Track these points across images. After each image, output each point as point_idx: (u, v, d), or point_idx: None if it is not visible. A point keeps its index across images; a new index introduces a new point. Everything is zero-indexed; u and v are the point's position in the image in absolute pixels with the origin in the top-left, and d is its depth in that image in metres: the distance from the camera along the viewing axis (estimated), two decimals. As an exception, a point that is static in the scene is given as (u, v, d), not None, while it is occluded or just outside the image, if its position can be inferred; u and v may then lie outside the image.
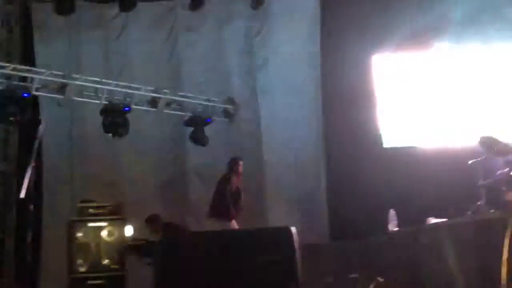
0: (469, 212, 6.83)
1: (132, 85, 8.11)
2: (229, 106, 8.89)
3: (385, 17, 8.72)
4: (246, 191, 8.04)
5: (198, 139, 8.49)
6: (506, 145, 7.08)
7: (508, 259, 5.57)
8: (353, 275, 6.41)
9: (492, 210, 6.60)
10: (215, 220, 7.53)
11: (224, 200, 7.55)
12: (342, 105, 8.78)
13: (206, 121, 8.53)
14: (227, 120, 8.91)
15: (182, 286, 4.48)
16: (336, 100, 8.88)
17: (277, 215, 8.35)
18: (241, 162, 7.79)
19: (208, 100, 8.71)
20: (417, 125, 8.92)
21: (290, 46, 9.16)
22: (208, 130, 8.57)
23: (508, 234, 5.66)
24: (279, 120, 8.98)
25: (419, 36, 8.81)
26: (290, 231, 5.01)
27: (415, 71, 9.12)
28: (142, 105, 8.21)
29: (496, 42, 8.85)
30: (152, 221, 7.53)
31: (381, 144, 8.84)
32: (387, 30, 8.79)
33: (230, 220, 7.53)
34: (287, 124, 8.97)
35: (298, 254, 5.19)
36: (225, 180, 7.70)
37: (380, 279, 6.34)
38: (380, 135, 8.87)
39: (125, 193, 8.39)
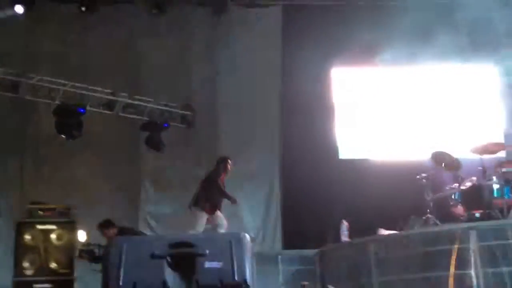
0: (417, 225, 7.02)
1: (89, 86, 8.00)
2: (187, 113, 8.85)
3: (345, 32, 8.89)
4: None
5: (154, 143, 8.42)
6: (455, 161, 7.32)
7: (454, 270, 5.76)
8: (304, 283, 6.44)
9: (439, 223, 6.80)
10: (199, 211, 7.41)
11: (221, 193, 7.47)
12: (301, 116, 8.87)
13: (163, 126, 8.47)
14: (184, 126, 8.87)
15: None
16: (295, 110, 8.97)
17: (232, 223, 8.32)
18: (230, 161, 7.74)
19: (166, 106, 8.66)
20: (372, 138, 9.11)
21: (251, 55, 9.21)
22: (165, 135, 8.51)
23: (455, 247, 5.85)
24: (237, 129, 8.99)
25: (376, 52, 9.04)
26: (242, 237, 5.00)
27: (372, 85, 9.34)
28: (98, 108, 8.09)
29: (449, 61, 9.19)
30: (105, 226, 7.39)
31: (337, 155, 8.98)
32: (347, 44, 8.96)
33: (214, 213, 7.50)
34: (245, 133, 8.99)
35: (249, 262, 5.18)
36: (216, 175, 7.60)
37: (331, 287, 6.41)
38: (337, 146, 9.01)
39: (77, 195, 8.22)
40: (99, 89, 8.05)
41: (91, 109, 7.88)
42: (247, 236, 5.18)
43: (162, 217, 8.55)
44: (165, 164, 8.72)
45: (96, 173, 8.60)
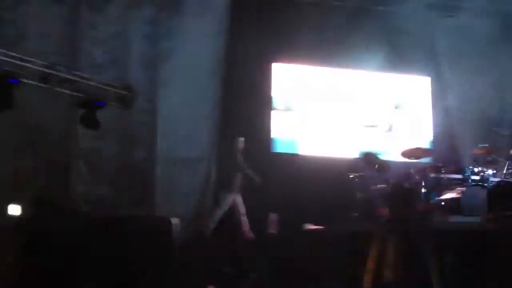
0: (344, 222, 7.27)
1: (24, 57, 7.67)
2: (125, 93, 8.66)
3: (289, 28, 9.02)
4: (137, 183, 7.91)
5: (89, 122, 8.19)
6: (385, 163, 7.61)
7: (372, 268, 6.01)
8: (227, 269, 6.55)
9: (365, 222, 7.07)
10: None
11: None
12: (239, 106, 8.92)
13: (99, 105, 8.24)
14: (122, 106, 8.68)
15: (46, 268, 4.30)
16: (234, 101, 9.00)
17: (165, 208, 8.26)
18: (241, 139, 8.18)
19: (104, 84, 8.44)
20: (306, 134, 9.32)
21: (196, 41, 9.07)
22: (101, 115, 8.30)
23: (374, 245, 6.11)
24: (176, 114, 8.86)
25: (316, 52, 9.27)
26: (169, 221, 5.01)
27: (311, 83, 9.54)
28: (33, 80, 7.78)
29: (384, 69, 9.57)
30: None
31: (271, 149, 9.11)
32: (289, 41, 9.12)
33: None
34: (184, 119, 8.89)
35: (177, 245, 5.20)
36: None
37: (253, 274, 6.55)
38: (272, 139, 9.13)
39: (3, 171, 7.91)
40: (35, 60, 7.72)
41: (26, 80, 7.56)
42: (176, 220, 5.18)
43: (94, 198, 8.36)
44: (98, 144, 8.53)
45: (23, 148, 8.28)
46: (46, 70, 7.79)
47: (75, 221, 4.97)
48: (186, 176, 8.69)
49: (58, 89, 7.93)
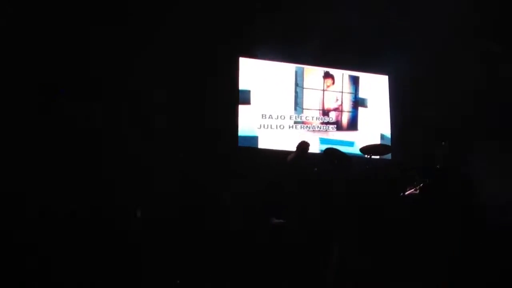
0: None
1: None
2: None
3: (260, 23, 9.11)
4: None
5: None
6: (346, 157, 7.85)
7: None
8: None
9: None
10: None
11: None
12: (205, 99, 8.94)
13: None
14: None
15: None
16: (200, 93, 9.00)
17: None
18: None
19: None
20: (268, 129, 9.47)
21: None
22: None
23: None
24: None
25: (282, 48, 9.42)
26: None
27: (276, 78, 9.69)
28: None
29: (348, 66, 9.86)
30: None
31: (236, 143, 9.22)
32: (257, 36, 9.22)
33: None
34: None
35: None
36: None
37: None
38: (237, 134, 9.24)
39: None
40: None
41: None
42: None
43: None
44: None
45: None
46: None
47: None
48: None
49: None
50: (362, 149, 8.24)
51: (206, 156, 8.41)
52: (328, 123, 9.75)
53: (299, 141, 8.11)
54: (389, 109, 10.22)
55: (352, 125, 9.98)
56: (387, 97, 10.28)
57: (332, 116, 9.82)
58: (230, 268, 6.52)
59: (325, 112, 9.80)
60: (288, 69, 9.77)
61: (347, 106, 10.00)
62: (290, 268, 6.45)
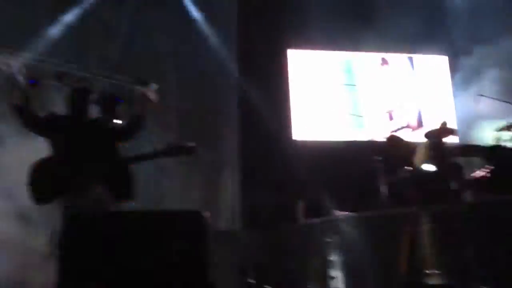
0: (373, 207, 7.15)
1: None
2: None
3: (303, 14, 8.88)
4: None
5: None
6: (411, 144, 7.48)
7: (407, 252, 5.90)
8: (250, 280, 6.53)
9: (394, 206, 6.95)
10: None
11: None
12: (257, 96, 8.78)
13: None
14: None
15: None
16: (251, 91, 8.84)
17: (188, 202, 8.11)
18: None
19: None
20: (326, 120, 9.20)
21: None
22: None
23: (407, 229, 6.00)
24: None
25: (331, 37, 9.13)
26: (202, 215, 4.88)
27: (328, 69, 9.41)
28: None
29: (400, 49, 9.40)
30: None
31: (292, 137, 9.01)
32: (303, 26, 8.98)
33: None
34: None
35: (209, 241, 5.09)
36: None
37: None
38: (291, 127, 9.03)
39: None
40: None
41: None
42: (207, 214, 5.08)
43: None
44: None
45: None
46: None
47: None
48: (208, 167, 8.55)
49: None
50: (426, 134, 7.81)
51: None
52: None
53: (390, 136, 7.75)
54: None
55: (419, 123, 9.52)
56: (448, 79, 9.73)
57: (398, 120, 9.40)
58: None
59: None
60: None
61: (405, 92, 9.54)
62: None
